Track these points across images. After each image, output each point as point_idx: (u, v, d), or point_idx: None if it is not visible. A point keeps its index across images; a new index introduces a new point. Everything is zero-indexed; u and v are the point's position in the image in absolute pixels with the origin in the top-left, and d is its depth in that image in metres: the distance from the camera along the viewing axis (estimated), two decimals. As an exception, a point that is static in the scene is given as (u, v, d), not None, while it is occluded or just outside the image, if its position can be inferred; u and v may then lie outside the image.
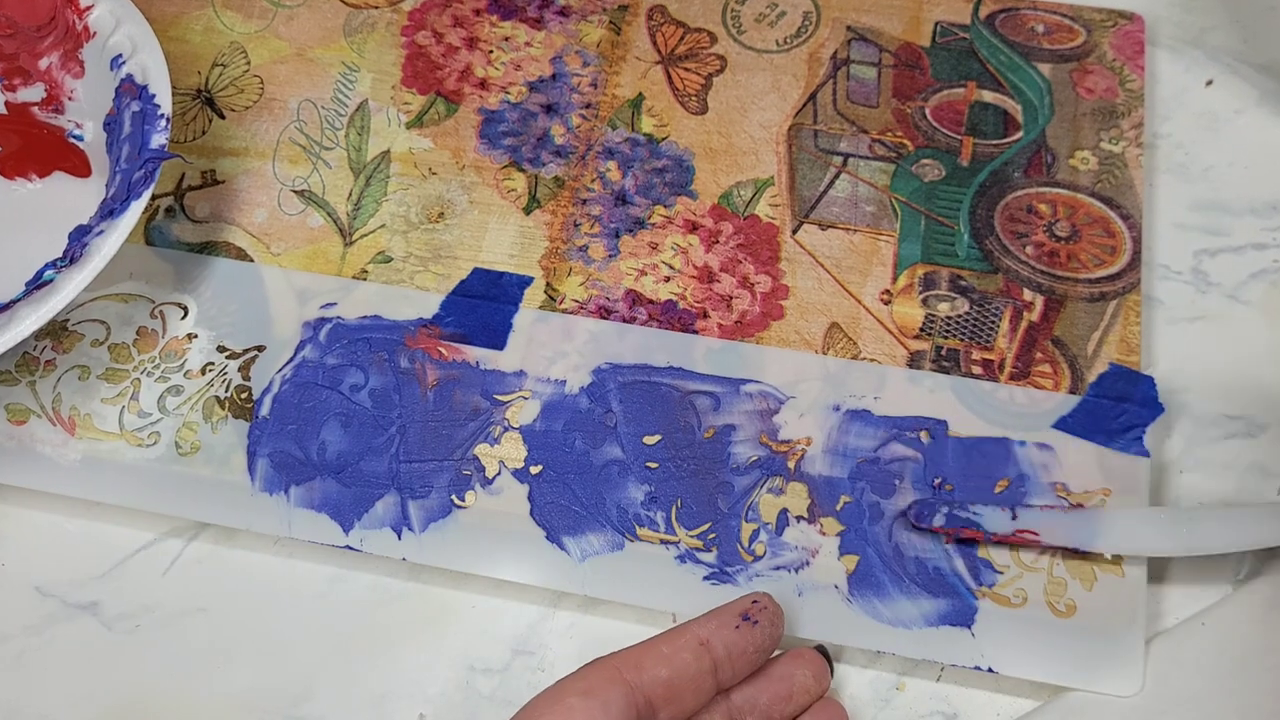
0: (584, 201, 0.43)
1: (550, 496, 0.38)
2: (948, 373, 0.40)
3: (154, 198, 0.44)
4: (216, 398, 0.39)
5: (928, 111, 0.45)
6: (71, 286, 0.36)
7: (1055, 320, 0.41)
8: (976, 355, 0.40)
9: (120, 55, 0.41)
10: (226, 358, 0.40)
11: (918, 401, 0.39)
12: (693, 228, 0.43)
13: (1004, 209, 0.43)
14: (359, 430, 0.39)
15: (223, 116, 0.46)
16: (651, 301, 0.41)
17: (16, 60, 0.43)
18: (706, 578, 0.36)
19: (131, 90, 0.40)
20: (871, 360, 0.40)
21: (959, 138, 0.44)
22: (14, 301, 0.36)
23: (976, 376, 0.40)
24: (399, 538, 0.37)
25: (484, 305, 0.41)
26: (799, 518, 0.37)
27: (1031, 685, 0.35)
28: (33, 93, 0.44)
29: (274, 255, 0.42)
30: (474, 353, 0.40)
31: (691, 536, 0.37)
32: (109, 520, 0.39)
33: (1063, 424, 0.38)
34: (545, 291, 0.42)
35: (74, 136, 0.44)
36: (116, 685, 0.36)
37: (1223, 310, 0.42)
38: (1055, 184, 0.43)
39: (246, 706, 0.36)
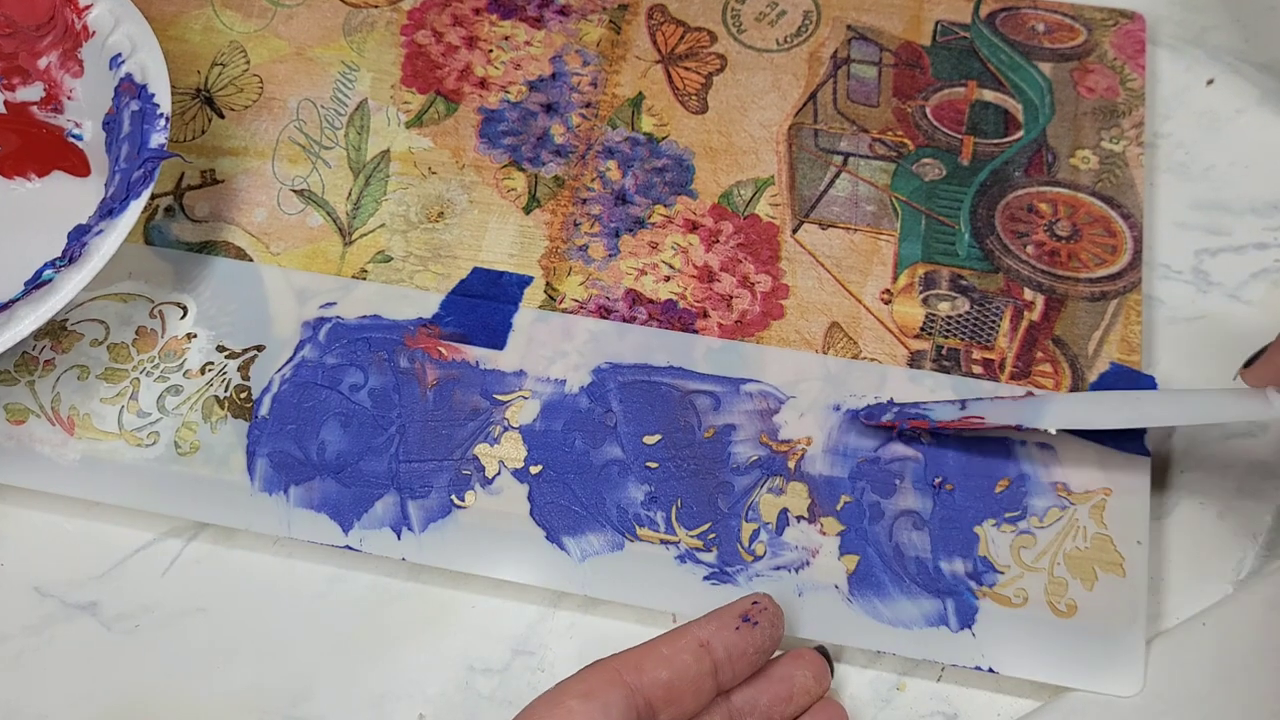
0: (584, 201, 0.43)
1: (550, 496, 0.38)
2: (948, 372, 0.40)
3: (153, 197, 0.44)
4: (216, 397, 0.39)
5: (928, 111, 0.45)
6: (70, 286, 0.36)
7: (1056, 320, 0.40)
8: (977, 355, 0.40)
9: (119, 54, 0.41)
10: (226, 357, 0.40)
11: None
12: (693, 227, 0.43)
13: (1005, 208, 0.43)
14: (358, 430, 0.39)
15: (222, 116, 0.46)
16: (651, 301, 0.41)
17: (15, 59, 0.43)
18: (706, 578, 0.36)
19: (130, 89, 0.40)
20: (872, 360, 0.40)
21: (960, 137, 0.44)
22: (13, 301, 0.36)
23: (977, 376, 0.39)
24: (398, 538, 0.37)
25: (484, 305, 0.41)
26: (799, 517, 0.37)
27: (1032, 685, 0.35)
28: (32, 92, 0.44)
29: (273, 255, 0.42)
30: (474, 352, 0.40)
31: (691, 536, 0.37)
32: (108, 520, 0.39)
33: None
34: (545, 291, 0.41)
35: (73, 136, 0.44)
36: (115, 685, 0.36)
37: (1224, 310, 0.42)
38: (1056, 183, 0.43)
39: (246, 706, 0.36)
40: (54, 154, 0.44)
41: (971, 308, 0.41)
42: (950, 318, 0.41)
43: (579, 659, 0.31)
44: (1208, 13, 0.48)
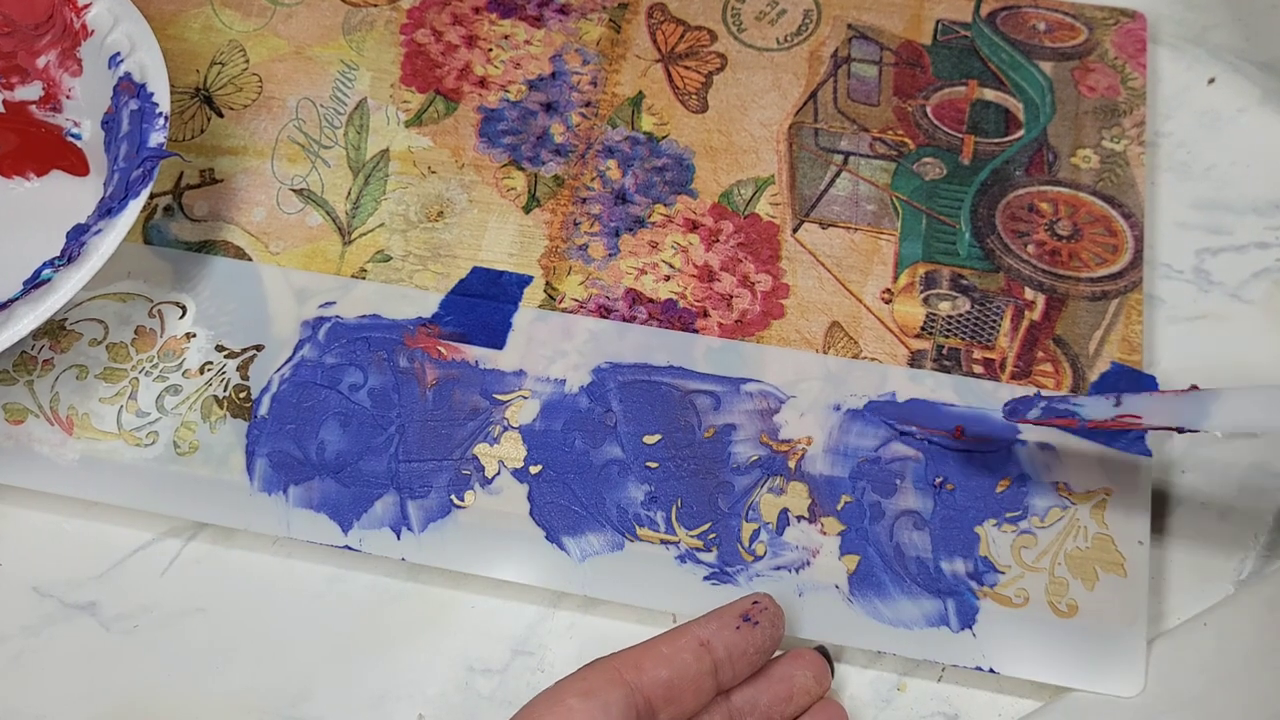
0: (584, 200, 0.43)
1: (550, 496, 0.37)
2: (949, 372, 0.40)
3: (152, 196, 0.43)
4: (215, 397, 0.39)
5: (929, 110, 0.45)
6: (69, 285, 0.36)
7: (1057, 319, 0.40)
8: (978, 354, 0.40)
9: (118, 53, 0.41)
10: (225, 357, 0.40)
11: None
12: (693, 226, 0.43)
13: (1005, 207, 0.43)
14: (358, 430, 0.39)
15: (221, 115, 0.46)
16: (651, 300, 0.41)
17: (14, 58, 0.43)
18: (707, 578, 0.36)
19: (129, 88, 0.40)
20: (872, 359, 0.40)
21: (960, 136, 0.44)
22: (12, 300, 0.36)
23: (978, 376, 0.39)
24: (398, 538, 0.37)
25: (483, 304, 0.41)
26: (800, 517, 0.37)
27: (1033, 686, 0.35)
28: (30, 91, 0.44)
29: (273, 254, 0.42)
30: (473, 352, 0.40)
31: (692, 536, 0.37)
32: (107, 520, 0.38)
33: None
34: (545, 290, 0.41)
35: (72, 135, 0.44)
36: (114, 686, 0.36)
37: (1225, 309, 0.42)
38: (1057, 182, 0.43)
39: (245, 706, 0.36)
40: (53, 153, 0.44)
41: (972, 307, 0.41)
42: (951, 317, 0.41)
43: (579, 659, 0.31)
44: (1209, 11, 0.48)
